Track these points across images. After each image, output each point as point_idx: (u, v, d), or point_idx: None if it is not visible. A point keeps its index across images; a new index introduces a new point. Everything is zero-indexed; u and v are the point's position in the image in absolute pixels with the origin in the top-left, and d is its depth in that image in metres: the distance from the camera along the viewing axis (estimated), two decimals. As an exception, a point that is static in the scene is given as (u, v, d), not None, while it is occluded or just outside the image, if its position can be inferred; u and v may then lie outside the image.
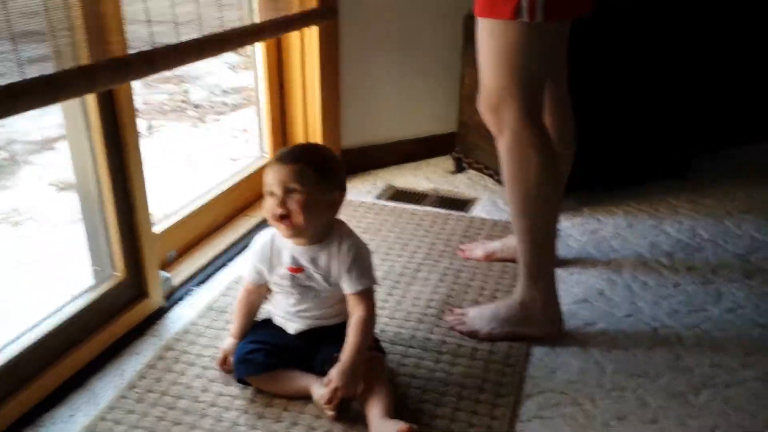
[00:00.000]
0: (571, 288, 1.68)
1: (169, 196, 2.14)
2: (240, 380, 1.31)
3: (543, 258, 1.46)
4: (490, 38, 1.34)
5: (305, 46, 2.15)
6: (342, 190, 1.29)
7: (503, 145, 1.40)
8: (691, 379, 1.36)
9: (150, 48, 1.36)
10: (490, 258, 1.79)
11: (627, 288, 1.68)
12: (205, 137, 3.12)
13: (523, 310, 1.47)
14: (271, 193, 1.23)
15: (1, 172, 2.60)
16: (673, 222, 2.02)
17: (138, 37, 1.35)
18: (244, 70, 4.17)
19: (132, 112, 1.45)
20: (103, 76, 1.23)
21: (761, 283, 1.68)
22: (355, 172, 2.38)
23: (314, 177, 1.22)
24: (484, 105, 1.41)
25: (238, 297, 1.38)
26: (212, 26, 1.56)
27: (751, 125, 2.54)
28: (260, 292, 1.36)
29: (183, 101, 3.62)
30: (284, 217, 1.22)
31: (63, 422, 1.25)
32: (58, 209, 2.32)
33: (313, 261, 1.27)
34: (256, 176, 2.14)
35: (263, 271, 1.32)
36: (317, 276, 1.27)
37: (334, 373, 1.20)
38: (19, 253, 2.03)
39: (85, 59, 1.22)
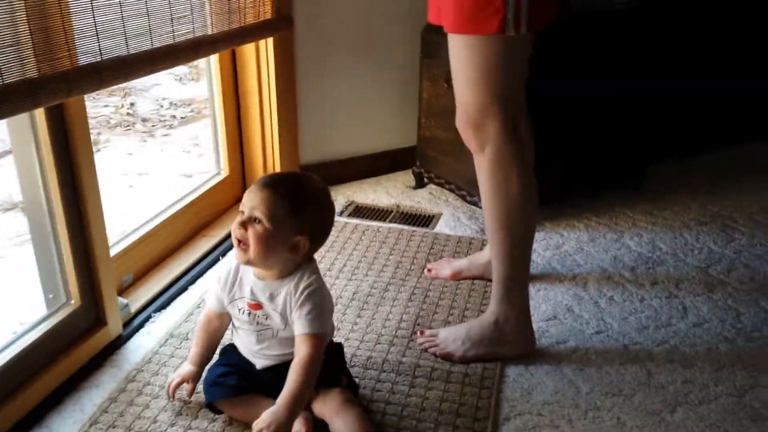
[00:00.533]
0: (540, 305, 1.67)
1: (121, 216, 2.05)
2: (209, 405, 1.25)
3: (520, 274, 1.45)
4: (470, 54, 1.31)
5: (260, 57, 2.09)
6: (310, 238, 1.19)
7: (485, 161, 1.38)
8: (665, 397, 1.36)
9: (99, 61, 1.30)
10: (457, 277, 1.77)
11: (594, 304, 1.69)
12: (155, 152, 3.02)
13: (497, 329, 1.45)
14: (241, 212, 1.18)
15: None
16: (632, 235, 2.04)
17: (88, 52, 1.28)
18: (192, 82, 4.08)
19: (85, 124, 1.37)
20: (47, 90, 1.15)
21: (723, 297, 1.71)
22: (314, 188, 2.34)
23: (282, 212, 1.15)
24: (464, 122, 1.38)
25: (199, 321, 1.32)
26: (163, 40, 1.49)
27: (703, 134, 2.60)
28: (222, 320, 1.30)
29: (129, 114, 3.51)
30: (240, 241, 1.17)
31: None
32: (2, 231, 2.20)
33: (272, 298, 1.20)
34: (213, 194, 2.07)
35: (223, 300, 1.26)
36: (274, 315, 1.21)
37: (265, 416, 1.11)
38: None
39: (31, 75, 1.15)
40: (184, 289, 1.72)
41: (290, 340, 1.21)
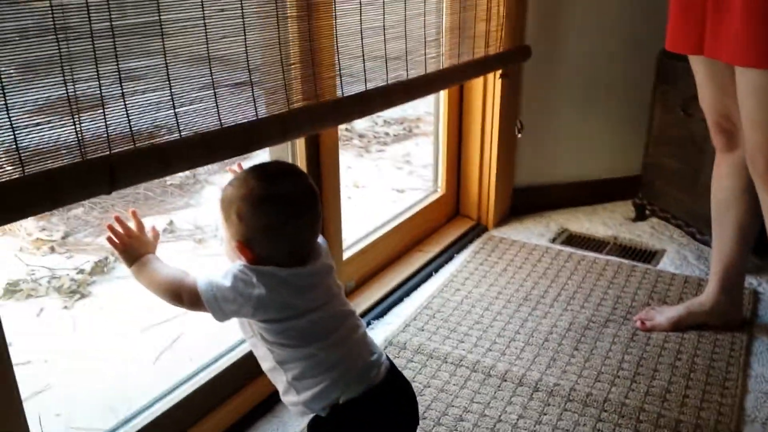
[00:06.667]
0: (784, 361, 1.51)
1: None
2: None
3: None
4: None
5: (488, 82, 2.11)
6: (246, 242, 0.98)
7: None
8: None
9: (362, 83, 1.37)
10: (677, 327, 1.62)
11: None
12: (369, 167, 3.17)
13: None
14: None
15: (186, 191, 2.77)
16: None
17: (349, 74, 1.36)
18: (405, 101, 4.23)
19: (335, 142, 1.48)
20: (328, 117, 1.25)
21: None
22: (526, 213, 2.31)
23: (222, 215, 1.01)
24: None
25: None
26: (418, 62, 1.54)
27: None
28: None
29: (347, 130, 3.71)
30: None
31: (254, 448, 1.26)
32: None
33: None
34: (429, 210, 2.12)
35: None
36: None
37: None
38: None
39: (300, 94, 1.24)
40: (400, 300, 1.77)
41: (260, 352, 1.04)
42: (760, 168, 1.31)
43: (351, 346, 1.03)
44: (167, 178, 2.86)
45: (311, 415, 1.03)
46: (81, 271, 2.09)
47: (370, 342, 1.06)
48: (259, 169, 1.00)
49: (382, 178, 2.99)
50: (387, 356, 1.08)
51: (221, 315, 0.97)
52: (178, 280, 0.99)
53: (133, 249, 1.03)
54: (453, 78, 1.72)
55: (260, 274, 0.97)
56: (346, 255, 1.74)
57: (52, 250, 2.25)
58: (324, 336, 1.00)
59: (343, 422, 1.00)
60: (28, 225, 2.36)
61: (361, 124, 3.78)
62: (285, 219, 0.97)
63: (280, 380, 1.02)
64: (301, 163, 1.42)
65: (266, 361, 1.03)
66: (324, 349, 0.99)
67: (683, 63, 2.00)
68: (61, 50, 0.82)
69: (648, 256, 2.02)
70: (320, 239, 1.06)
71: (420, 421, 1.31)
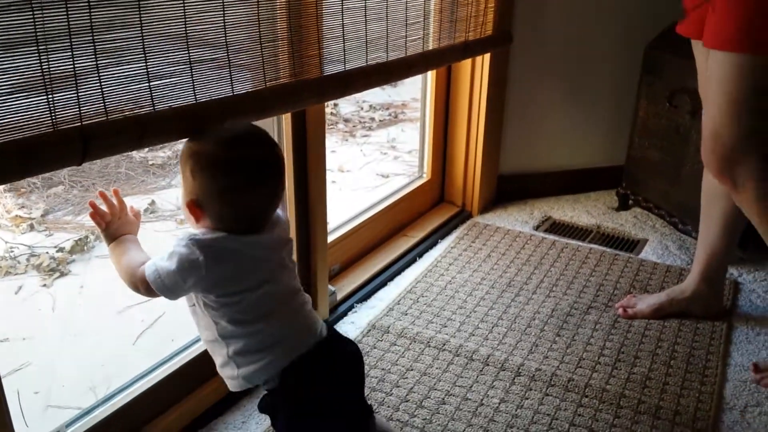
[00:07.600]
0: (759, 350, 1.52)
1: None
2: None
3: None
4: (747, 76, 1.19)
5: (475, 68, 2.11)
6: (197, 202, 0.94)
7: (745, 199, 1.30)
8: None
9: (341, 63, 1.36)
10: (658, 315, 1.63)
11: (828, 358, 1.51)
12: (354, 152, 3.16)
13: None
14: None
15: (168, 171, 2.74)
16: None
17: (331, 52, 1.35)
18: (389, 87, 4.21)
19: (322, 123, 1.46)
20: (306, 96, 1.23)
21: None
22: (511, 200, 2.32)
23: (180, 168, 0.98)
24: (718, 153, 1.28)
25: None
26: (398, 45, 1.54)
27: None
28: None
29: (333, 114, 3.69)
30: None
31: (235, 428, 1.26)
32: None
33: None
34: (414, 195, 2.12)
35: None
36: None
37: None
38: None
39: (285, 71, 1.23)
40: (383, 284, 1.77)
41: (203, 322, 1.01)
42: (707, 151, 1.30)
43: (298, 322, 1.01)
44: (149, 158, 2.83)
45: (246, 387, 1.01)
46: (61, 250, 2.06)
47: (314, 316, 1.04)
48: (225, 130, 0.97)
49: (367, 163, 2.98)
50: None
51: (174, 296, 0.96)
52: (133, 269, 0.98)
53: (115, 228, 1.02)
54: (436, 60, 1.71)
55: (208, 249, 0.92)
56: (330, 238, 1.73)
57: (32, 227, 2.21)
58: (272, 311, 0.98)
59: (299, 383, 0.99)
60: (7, 202, 2.32)
61: (346, 108, 3.76)
62: (238, 185, 0.93)
63: (219, 353, 1.00)
64: (287, 145, 1.41)
65: (207, 332, 0.99)
66: (271, 325, 0.97)
67: (670, 55, 2.02)
68: (36, 21, 0.80)
69: (630, 245, 2.04)
70: (282, 214, 1.03)
71: (403, 404, 1.32)
